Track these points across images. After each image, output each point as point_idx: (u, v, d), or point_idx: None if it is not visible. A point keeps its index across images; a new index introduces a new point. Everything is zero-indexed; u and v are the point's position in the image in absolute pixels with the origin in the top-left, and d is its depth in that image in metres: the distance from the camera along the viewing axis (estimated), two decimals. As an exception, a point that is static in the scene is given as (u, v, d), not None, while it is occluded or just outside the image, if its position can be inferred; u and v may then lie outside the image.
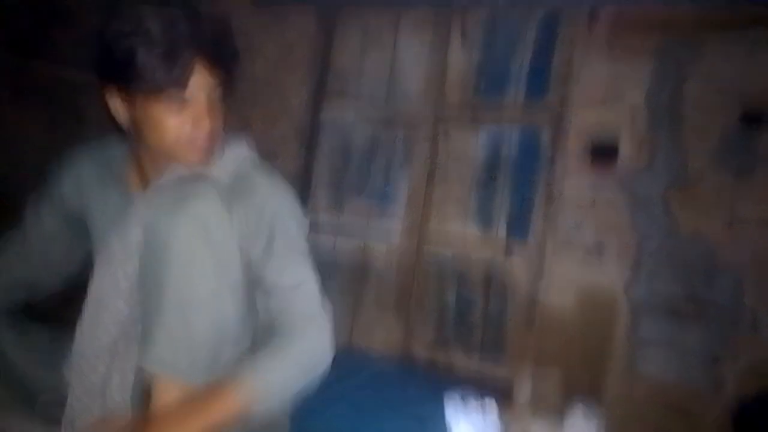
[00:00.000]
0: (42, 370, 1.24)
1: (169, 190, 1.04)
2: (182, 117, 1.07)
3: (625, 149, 2.14)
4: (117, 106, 1.10)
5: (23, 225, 1.31)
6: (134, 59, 1.01)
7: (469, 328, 2.37)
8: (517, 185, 2.36)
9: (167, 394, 1.01)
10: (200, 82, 1.06)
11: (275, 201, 1.16)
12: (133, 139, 1.15)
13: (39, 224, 1.30)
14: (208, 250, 1.01)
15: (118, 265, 1.12)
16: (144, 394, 1.07)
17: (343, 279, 2.63)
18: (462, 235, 2.43)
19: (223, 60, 1.10)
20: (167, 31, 1.02)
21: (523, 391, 2.18)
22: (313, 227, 2.69)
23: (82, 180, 1.27)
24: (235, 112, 2.78)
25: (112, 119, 1.14)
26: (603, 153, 2.20)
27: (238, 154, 1.20)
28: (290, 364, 1.10)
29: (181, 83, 1.04)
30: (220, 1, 2.74)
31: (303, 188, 2.73)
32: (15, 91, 2.30)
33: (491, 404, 1.52)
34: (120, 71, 1.05)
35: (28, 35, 2.34)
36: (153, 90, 1.04)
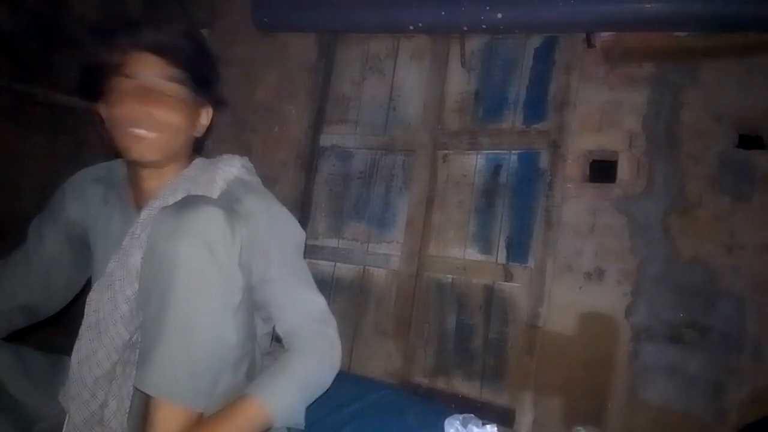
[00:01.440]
0: (39, 399, 1.22)
1: (172, 210, 1.03)
2: (125, 104, 1.10)
3: (624, 174, 2.15)
4: (102, 112, 1.16)
5: (25, 247, 1.30)
6: (95, 57, 1.12)
7: (469, 355, 2.35)
8: (517, 210, 2.36)
9: (167, 419, 1.00)
10: (141, 68, 1.11)
11: (271, 222, 1.16)
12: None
13: (41, 246, 1.29)
14: (212, 271, 1.00)
15: (118, 289, 1.11)
16: (141, 420, 1.05)
17: (343, 304, 2.62)
18: (461, 260, 2.43)
19: (167, 50, 1.13)
20: (119, 27, 1.12)
21: (525, 419, 2.15)
22: (313, 252, 2.70)
23: (87, 202, 1.27)
24: (237, 138, 2.83)
25: (108, 139, 1.17)
26: (602, 178, 2.21)
27: (228, 173, 1.20)
28: (299, 383, 1.11)
29: (119, 69, 1.10)
30: (223, 29, 2.80)
31: (303, 213, 2.73)
32: (18, 117, 2.32)
33: (492, 432, 1.50)
34: (89, 74, 1.13)
35: (32, 62, 2.36)
36: (101, 75, 1.12)
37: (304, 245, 1.26)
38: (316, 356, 1.14)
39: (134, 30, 1.12)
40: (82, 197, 1.27)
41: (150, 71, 1.12)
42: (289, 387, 1.09)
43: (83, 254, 1.28)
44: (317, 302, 1.20)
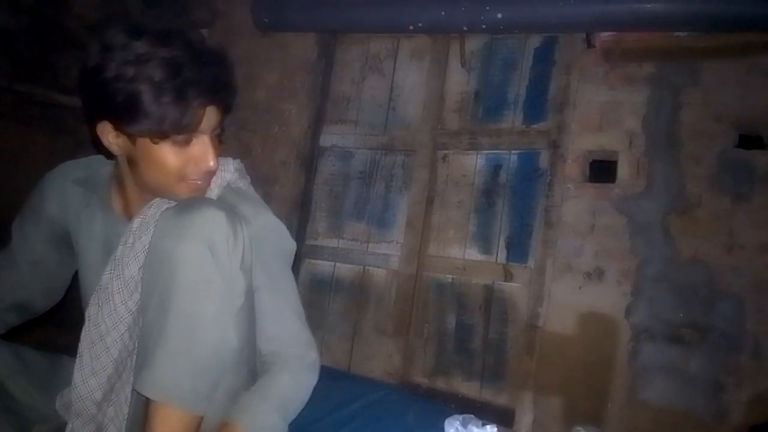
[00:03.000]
0: (38, 399, 1.21)
1: (174, 211, 1.02)
2: (185, 157, 1.05)
3: (624, 174, 2.15)
4: (111, 140, 1.06)
5: (10, 247, 1.28)
6: (140, 104, 0.98)
7: (469, 355, 2.35)
8: (516, 210, 2.36)
9: (166, 423, 0.98)
10: (206, 124, 1.05)
11: (262, 233, 1.13)
12: (124, 168, 1.12)
13: (26, 246, 1.27)
14: (214, 273, 0.99)
15: (119, 301, 1.09)
16: (139, 425, 1.04)
17: (342, 304, 2.61)
18: (461, 259, 2.42)
19: (228, 101, 1.09)
20: (173, 76, 0.99)
21: (525, 419, 2.15)
22: (313, 252, 2.70)
23: (68, 201, 1.23)
24: (236, 138, 2.82)
25: (101, 148, 1.11)
26: (601, 178, 2.21)
27: (222, 179, 1.19)
28: (280, 408, 1.10)
29: (191, 129, 1.02)
30: (223, 28, 2.80)
31: (302, 213, 2.73)
32: (18, 116, 2.32)
33: (492, 432, 1.50)
34: (122, 113, 1.01)
35: (32, 62, 2.36)
36: (160, 134, 1.01)
37: (293, 257, 1.24)
38: (295, 380, 1.14)
39: (209, 87, 1.03)
40: (62, 197, 1.24)
41: (214, 123, 1.06)
42: (271, 412, 1.09)
43: (67, 252, 1.26)
44: (295, 322, 1.19)
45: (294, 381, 1.14)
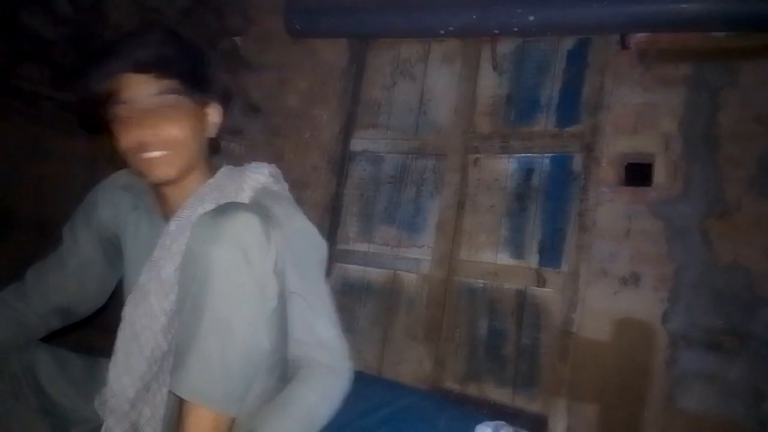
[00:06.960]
0: (76, 401, 1.24)
1: (209, 216, 1.04)
2: (127, 131, 1.10)
3: (660, 177, 2.11)
4: (113, 142, 1.15)
5: (60, 250, 1.33)
6: (85, 91, 1.10)
7: (501, 360, 2.32)
8: (549, 214, 2.34)
9: (199, 423, 1.00)
10: (134, 91, 1.10)
11: (294, 237, 1.14)
12: None
13: (76, 249, 1.31)
14: (247, 276, 1.00)
15: (154, 301, 1.12)
16: (174, 426, 1.06)
17: (373, 309, 2.62)
18: (493, 264, 2.41)
19: (151, 65, 1.10)
20: (104, 49, 1.10)
21: (558, 426, 2.12)
22: (343, 257, 2.71)
23: (118, 206, 1.29)
24: (269, 143, 2.85)
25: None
26: (637, 181, 2.17)
27: (256, 181, 1.20)
28: (302, 420, 1.09)
29: (106, 90, 1.09)
30: (256, 35, 2.83)
31: (333, 218, 2.74)
32: (58, 124, 2.38)
33: (525, 439, 1.48)
34: (87, 110, 1.13)
35: (70, 71, 2.42)
36: (98, 108, 1.10)
37: (326, 262, 1.24)
38: (320, 390, 1.12)
39: (113, 54, 1.09)
40: (113, 203, 1.29)
41: (141, 91, 1.09)
42: (293, 425, 1.08)
43: (115, 257, 1.30)
44: (329, 328, 1.18)
45: (320, 391, 1.12)
